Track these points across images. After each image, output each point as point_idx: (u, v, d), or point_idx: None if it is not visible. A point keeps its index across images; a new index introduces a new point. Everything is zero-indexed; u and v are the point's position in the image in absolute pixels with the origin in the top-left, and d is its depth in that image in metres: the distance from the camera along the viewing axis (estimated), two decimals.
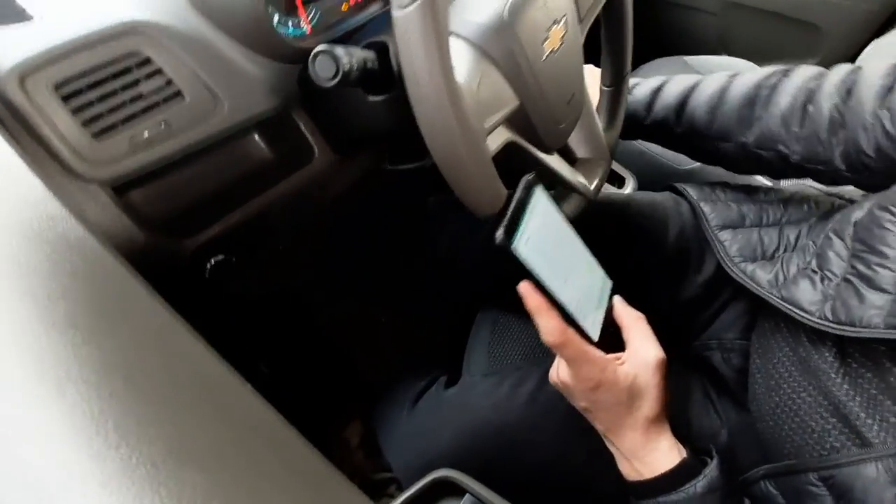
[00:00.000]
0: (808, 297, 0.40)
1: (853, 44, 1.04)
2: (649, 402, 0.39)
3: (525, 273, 0.35)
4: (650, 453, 0.39)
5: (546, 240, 0.37)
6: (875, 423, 0.35)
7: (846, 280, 0.39)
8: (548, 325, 0.36)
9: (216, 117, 0.42)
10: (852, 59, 1.00)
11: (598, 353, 0.38)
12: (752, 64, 1.00)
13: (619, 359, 0.40)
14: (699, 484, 0.38)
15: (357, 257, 0.76)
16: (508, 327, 0.61)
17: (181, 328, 0.24)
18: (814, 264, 0.43)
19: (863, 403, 0.36)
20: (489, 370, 0.56)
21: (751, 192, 0.54)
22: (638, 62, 1.02)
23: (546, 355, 0.62)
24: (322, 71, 0.34)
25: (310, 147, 0.50)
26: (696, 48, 1.04)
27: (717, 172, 0.82)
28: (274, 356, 0.79)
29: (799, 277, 0.42)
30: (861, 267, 0.38)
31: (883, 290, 0.36)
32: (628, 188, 0.83)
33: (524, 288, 0.36)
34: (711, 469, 0.39)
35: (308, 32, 0.48)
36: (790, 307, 0.41)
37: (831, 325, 0.37)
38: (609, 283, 0.45)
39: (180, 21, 0.43)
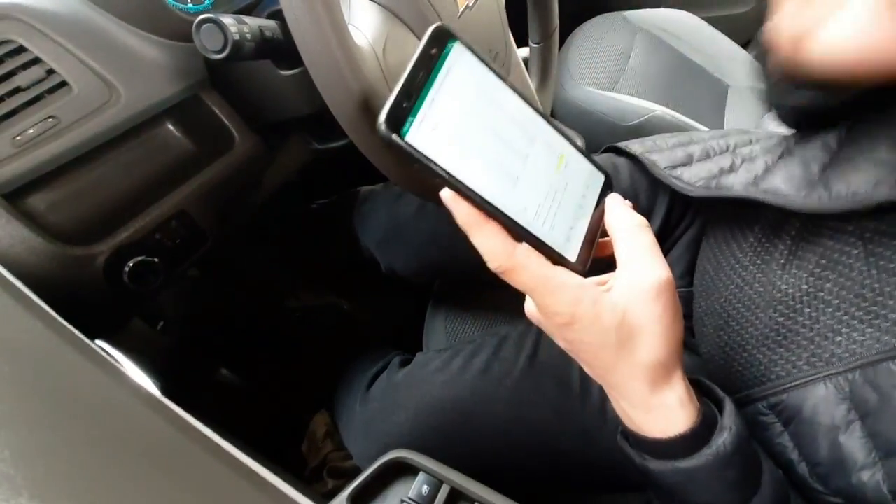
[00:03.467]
0: (785, 184, 0.37)
1: None
2: (649, 344, 0.28)
3: (435, 172, 0.24)
4: (654, 410, 0.29)
5: (473, 123, 0.26)
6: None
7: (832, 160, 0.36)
8: (487, 245, 0.26)
9: (112, 108, 0.39)
10: None
11: (569, 277, 0.27)
12: (689, 14, 1.00)
13: (603, 283, 0.29)
14: (727, 441, 0.28)
15: (302, 250, 0.73)
16: (465, 302, 0.60)
17: (66, 344, 0.22)
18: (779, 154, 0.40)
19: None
20: (446, 345, 0.55)
21: (693, 136, 0.54)
22: (579, 20, 1.00)
23: (502, 323, 0.61)
24: (209, 42, 0.31)
25: (229, 132, 0.47)
26: (634, 2, 1.03)
27: (662, 126, 0.83)
28: (236, 358, 0.76)
29: (774, 168, 0.40)
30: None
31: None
32: None
33: (446, 196, 0.25)
34: (730, 418, 0.30)
35: (202, 6, 0.44)
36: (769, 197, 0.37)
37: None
38: (600, 180, 0.32)
39: (58, 4, 0.39)
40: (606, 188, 0.32)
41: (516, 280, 0.27)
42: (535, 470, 0.47)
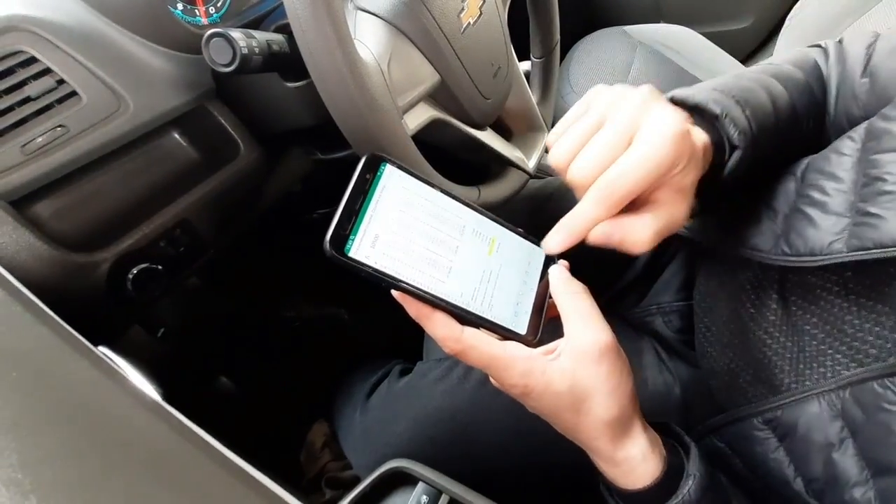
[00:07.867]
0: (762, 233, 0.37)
1: (782, 3, 1.07)
2: (601, 403, 0.30)
3: (379, 278, 0.27)
4: (621, 464, 0.32)
5: (406, 229, 0.29)
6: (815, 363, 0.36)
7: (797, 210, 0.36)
8: (436, 332, 0.29)
9: (120, 117, 0.40)
10: (782, 19, 1.02)
11: (517, 350, 0.30)
12: (688, 29, 1.02)
13: (551, 352, 0.31)
14: (692, 489, 0.31)
15: (303, 260, 0.74)
16: None
17: (71, 349, 0.22)
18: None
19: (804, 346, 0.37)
20: (447, 355, 0.55)
21: None
22: (579, 35, 1.02)
23: None
24: (217, 56, 0.32)
25: (234, 142, 0.47)
26: (633, 17, 1.05)
27: None
28: (235, 367, 0.76)
29: (746, 212, 0.40)
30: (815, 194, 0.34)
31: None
32: None
33: (396, 296, 0.29)
34: (695, 464, 0.32)
35: (210, 19, 0.45)
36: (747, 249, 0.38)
37: (790, 258, 0.34)
38: (540, 257, 0.34)
39: (68, 16, 0.39)
40: (549, 261, 0.35)
41: (469, 360, 0.30)
42: (535, 480, 0.47)
